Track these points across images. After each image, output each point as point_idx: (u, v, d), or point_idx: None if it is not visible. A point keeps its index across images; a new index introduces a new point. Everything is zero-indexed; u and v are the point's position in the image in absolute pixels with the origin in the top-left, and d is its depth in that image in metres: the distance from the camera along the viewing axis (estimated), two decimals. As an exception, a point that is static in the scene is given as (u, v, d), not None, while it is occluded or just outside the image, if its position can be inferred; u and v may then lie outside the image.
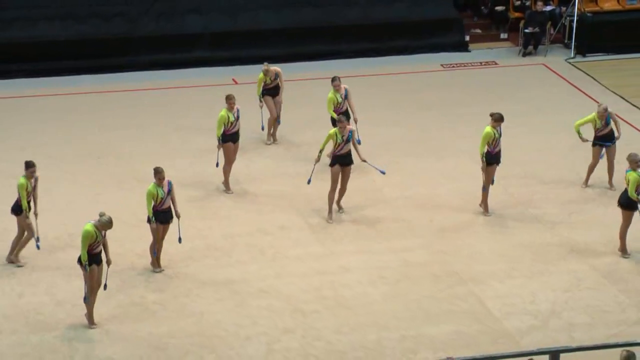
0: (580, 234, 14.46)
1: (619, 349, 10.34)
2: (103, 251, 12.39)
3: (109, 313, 12.66)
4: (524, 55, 21.34)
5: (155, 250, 13.49)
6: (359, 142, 15.74)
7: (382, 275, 13.52)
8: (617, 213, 13.90)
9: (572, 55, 21.23)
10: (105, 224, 12.21)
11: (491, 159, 14.67)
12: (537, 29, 21.21)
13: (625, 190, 13.68)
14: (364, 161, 14.71)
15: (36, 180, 13.50)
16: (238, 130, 15.42)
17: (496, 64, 21.06)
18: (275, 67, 16.98)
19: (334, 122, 15.34)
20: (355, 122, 15.96)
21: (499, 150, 14.67)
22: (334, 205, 14.78)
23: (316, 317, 12.66)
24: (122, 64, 20.32)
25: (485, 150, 14.60)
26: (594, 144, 15.39)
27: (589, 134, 15.48)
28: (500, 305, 12.88)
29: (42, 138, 17.46)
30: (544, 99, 19.16)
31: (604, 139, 15.31)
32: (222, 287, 13.27)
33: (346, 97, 15.99)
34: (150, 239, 13.49)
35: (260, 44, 20.55)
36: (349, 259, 13.89)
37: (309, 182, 14.75)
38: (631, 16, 21.67)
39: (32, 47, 20.04)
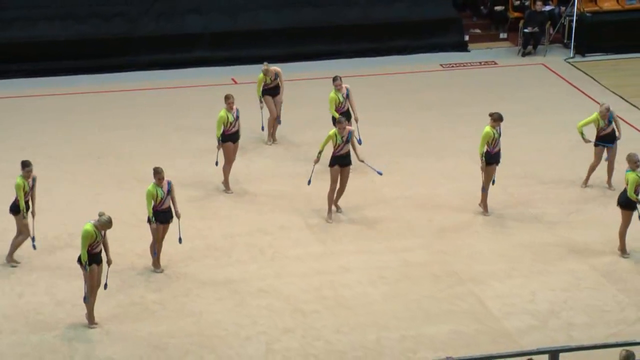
0: (579, 234, 14.48)
1: (618, 349, 10.35)
2: (103, 251, 12.41)
3: (108, 313, 12.67)
4: (524, 55, 21.35)
5: (156, 250, 13.50)
6: (360, 142, 15.77)
7: (382, 275, 13.53)
8: (617, 213, 13.92)
9: (571, 55, 21.24)
10: (104, 224, 12.22)
11: (491, 159, 14.69)
12: (536, 29, 21.22)
13: (625, 190, 13.70)
14: (362, 161, 14.73)
15: (34, 180, 13.50)
16: (238, 130, 15.44)
17: (495, 63, 21.08)
18: (275, 67, 16.98)
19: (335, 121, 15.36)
20: (356, 121, 15.98)
21: (499, 150, 14.68)
22: (334, 206, 14.78)
23: (316, 317, 12.67)
24: (122, 64, 20.32)
25: (485, 150, 14.61)
26: (596, 145, 15.39)
27: (591, 134, 15.47)
28: (500, 305, 12.90)
29: (42, 138, 17.46)
30: (543, 99, 19.17)
31: (606, 140, 15.32)
32: (221, 286, 13.28)
33: (348, 96, 16.00)
34: (150, 239, 13.50)
35: (260, 44, 20.55)
36: (349, 259, 13.91)
37: (309, 182, 14.77)
38: (630, 16, 21.68)
39: (32, 47, 20.04)
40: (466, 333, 12.36)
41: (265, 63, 16.85)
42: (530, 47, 21.35)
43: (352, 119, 15.98)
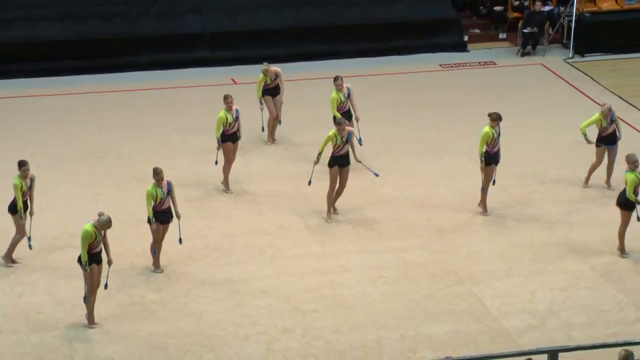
0: (578, 234, 14.50)
1: (617, 348, 10.37)
2: (104, 251, 12.42)
3: (108, 313, 12.69)
4: (523, 55, 21.36)
5: (156, 250, 13.52)
6: (361, 143, 15.79)
7: (381, 275, 13.55)
8: (616, 213, 13.93)
9: (570, 55, 21.25)
10: (104, 224, 12.24)
11: (490, 159, 14.71)
12: (535, 29, 21.24)
13: (624, 190, 13.72)
14: (359, 162, 14.76)
15: (32, 179, 13.50)
16: (237, 131, 15.45)
17: (495, 64, 21.09)
18: (275, 68, 17.00)
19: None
20: (357, 120, 16.00)
21: (498, 150, 14.70)
22: (333, 211, 14.79)
23: (315, 317, 12.69)
24: (122, 64, 20.33)
25: (484, 150, 14.64)
26: (597, 145, 15.40)
27: (592, 134, 15.48)
28: (499, 304, 12.92)
29: (42, 138, 17.47)
30: (542, 99, 19.19)
31: (608, 140, 15.33)
32: (221, 286, 13.30)
33: (349, 96, 16.02)
34: (150, 238, 13.52)
35: (260, 44, 20.56)
36: (348, 259, 13.92)
37: (309, 183, 14.78)
38: (629, 16, 21.69)
39: (32, 47, 20.05)
40: (465, 332, 12.38)
41: (265, 63, 16.87)
42: (529, 47, 21.37)
43: (353, 119, 15.99)
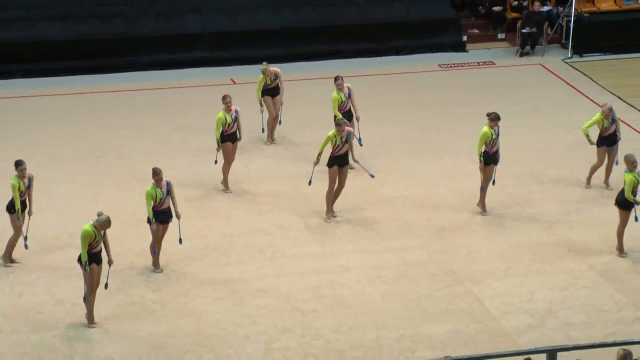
0: (578, 234, 14.53)
1: (616, 348, 10.39)
2: (104, 251, 12.43)
3: (108, 312, 12.70)
4: (522, 55, 21.39)
5: (156, 250, 13.54)
6: (361, 143, 15.79)
7: (381, 275, 13.58)
8: (615, 213, 13.96)
9: (569, 55, 21.28)
10: (103, 224, 12.25)
11: (489, 159, 14.73)
12: (534, 30, 21.27)
13: (623, 190, 13.75)
14: (356, 162, 14.77)
15: (31, 179, 13.49)
16: (237, 131, 15.47)
17: (494, 64, 21.12)
18: (274, 68, 17.02)
19: None
20: (357, 120, 16.03)
21: (497, 150, 14.73)
22: (331, 213, 14.83)
23: (315, 317, 12.71)
24: (121, 64, 20.34)
25: (483, 151, 14.67)
26: (599, 145, 15.41)
27: (593, 135, 15.49)
28: (498, 304, 12.94)
29: (42, 138, 17.48)
30: (541, 99, 19.21)
31: (609, 140, 15.35)
32: (221, 286, 13.31)
33: (350, 96, 16.03)
34: (150, 238, 13.54)
35: (260, 44, 20.58)
36: (348, 259, 13.94)
37: (309, 183, 14.80)
38: (628, 16, 21.72)
39: (32, 48, 20.06)
40: (465, 332, 12.40)
41: (264, 63, 16.89)
42: (528, 48, 21.40)
43: (354, 119, 16.02)
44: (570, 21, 21.30)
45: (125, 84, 19.77)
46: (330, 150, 14.65)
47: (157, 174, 13.29)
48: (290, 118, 17.26)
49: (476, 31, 22.26)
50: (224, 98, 15.33)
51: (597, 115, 15.43)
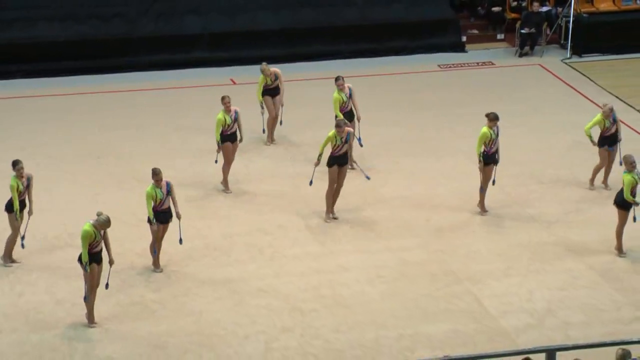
0: (576, 233, 14.55)
1: (615, 348, 10.44)
2: (105, 250, 12.44)
3: (108, 312, 12.73)
4: (521, 55, 21.42)
5: (156, 249, 13.57)
6: (361, 144, 15.81)
7: (380, 274, 13.60)
8: (614, 213, 13.98)
9: (568, 55, 21.31)
10: (103, 223, 12.27)
11: (488, 159, 14.77)
12: (533, 30, 21.30)
13: (621, 190, 13.78)
14: (354, 162, 14.78)
15: (29, 179, 13.49)
16: (236, 131, 15.49)
17: (493, 64, 21.14)
18: (274, 68, 17.05)
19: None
20: (358, 120, 16.05)
21: (496, 150, 14.77)
22: (331, 213, 14.85)
23: (314, 316, 12.74)
24: (121, 64, 20.35)
25: (482, 150, 14.70)
26: (600, 145, 15.43)
27: (595, 135, 15.51)
28: (497, 303, 12.97)
29: (42, 138, 17.50)
30: (540, 99, 19.24)
31: (610, 140, 15.37)
32: (221, 286, 13.34)
33: (350, 96, 16.05)
34: (149, 238, 13.57)
35: (259, 44, 20.60)
36: (347, 258, 13.97)
37: (310, 183, 14.81)
38: (627, 17, 21.75)
39: (32, 48, 20.06)
40: (463, 332, 12.43)
41: (263, 63, 16.92)
42: (527, 48, 21.42)
43: (355, 119, 16.04)
44: (569, 21, 21.33)
45: (125, 84, 19.79)
46: (330, 150, 14.68)
47: (156, 174, 13.31)
48: (290, 118, 17.28)
49: (475, 31, 22.29)
50: (223, 99, 15.36)
51: (598, 116, 15.45)
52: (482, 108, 16.00)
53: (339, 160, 14.66)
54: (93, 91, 19.54)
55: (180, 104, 18.95)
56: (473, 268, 13.72)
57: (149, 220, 13.35)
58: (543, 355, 10.88)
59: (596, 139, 15.46)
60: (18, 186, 13.37)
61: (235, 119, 15.42)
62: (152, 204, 13.29)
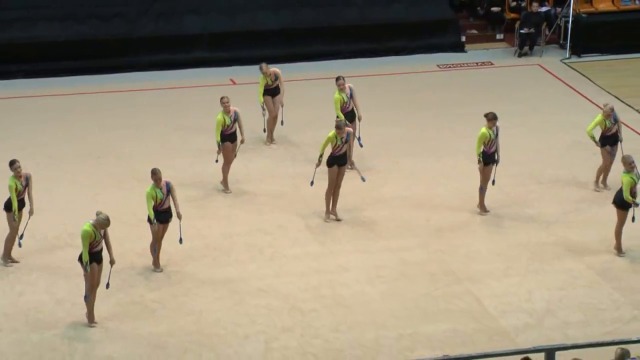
0: (576, 233, 14.58)
1: (614, 347, 10.46)
2: (106, 250, 12.45)
3: (108, 312, 12.75)
4: (520, 55, 21.44)
5: (156, 248, 13.59)
6: (361, 145, 15.82)
7: (380, 274, 13.63)
8: (613, 212, 14.00)
9: (567, 55, 21.33)
10: (102, 223, 12.28)
11: (487, 158, 14.80)
12: (532, 30, 21.32)
13: (620, 190, 13.81)
14: (352, 163, 14.80)
15: (28, 178, 13.50)
16: (236, 131, 15.51)
17: (492, 64, 21.17)
18: (274, 68, 17.06)
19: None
20: (359, 120, 16.07)
21: (496, 150, 14.79)
22: (331, 214, 14.86)
23: (314, 316, 12.76)
24: (121, 64, 20.37)
25: (482, 150, 14.73)
26: (602, 145, 15.44)
27: (597, 136, 15.54)
28: (497, 303, 13.00)
29: (42, 138, 17.52)
30: (539, 99, 19.27)
31: (612, 140, 15.39)
32: (221, 286, 13.36)
33: (351, 96, 16.06)
34: (149, 238, 13.59)
35: (259, 44, 20.62)
36: (347, 258, 13.99)
37: (311, 184, 14.82)
38: (626, 17, 21.78)
39: (32, 48, 20.08)
40: (463, 331, 12.45)
41: (262, 63, 16.93)
42: (526, 48, 21.45)
43: (356, 118, 16.05)
44: (568, 21, 21.35)
45: (125, 84, 19.81)
46: (330, 150, 14.69)
47: (154, 174, 13.33)
48: (290, 118, 17.29)
49: (474, 31, 22.32)
50: (221, 99, 15.37)
51: (599, 116, 15.46)
52: (482, 108, 16.01)
53: (339, 161, 14.68)
54: (93, 91, 19.56)
55: (180, 104, 18.97)
56: (473, 268, 13.75)
57: (149, 220, 13.37)
58: (542, 355, 10.90)
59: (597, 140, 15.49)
60: (16, 186, 13.38)
61: (235, 120, 15.44)
62: (152, 203, 13.30)
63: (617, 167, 14.87)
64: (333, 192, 14.82)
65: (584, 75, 20.37)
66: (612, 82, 19.88)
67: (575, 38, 21.27)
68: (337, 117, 15.65)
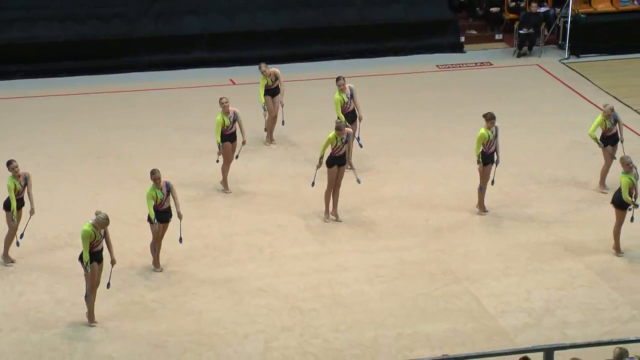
0: (574, 233, 14.61)
1: (612, 346, 10.48)
2: (107, 250, 12.48)
3: (108, 311, 12.77)
4: (519, 56, 21.47)
5: (156, 248, 13.61)
6: (361, 145, 15.85)
7: (379, 274, 13.65)
8: (611, 212, 14.03)
9: (566, 56, 21.36)
10: (101, 222, 12.29)
11: (486, 159, 14.83)
12: (531, 30, 21.35)
13: (619, 190, 13.84)
14: (350, 164, 14.83)
15: (27, 178, 13.52)
16: (235, 132, 15.53)
17: (491, 64, 21.19)
18: (273, 69, 17.09)
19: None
20: (360, 120, 16.09)
21: (495, 150, 14.82)
22: (331, 215, 14.90)
23: (314, 315, 12.79)
24: (121, 64, 20.39)
25: (481, 151, 14.76)
26: (604, 145, 15.46)
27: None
28: (496, 303, 13.03)
29: (42, 138, 17.54)
30: (538, 100, 19.30)
31: (613, 140, 15.41)
32: (220, 285, 13.39)
33: (352, 96, 16.07)
34: (149, 238, 13.62)
35: (259, 44, 20.64)
36: (347, 258, 14.02)
37: (312, 184, 14.84)
38: (624, 17, 21.82)
39: (32, 48, 20.10)
40: (462, 331, 12.48)
41: (262, 64, 16.95)
42: (525, 48, 21.48)
43: (357, 119, 16.07)
44: (566, 22, 21.37)
45: (125, 85, 19.82)
46: (330, 151, 14.72)
47: (153, 174, 13.34)
48: (290, 118, 17.30)
49: (474, 32, 22.34)
50: (220, 100, 15.37)
51: (599, 117, 15.48)
52: (481, 108, 16.03)
53: (339, 161, 14.71)
54: (93, 91, 19.58)
55: (180, 104, 18.99)
56: (472, 268, 13.77)
57: (150, 220, 13.39)
58: (541, 354, 10.91)
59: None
60: (15, 186, 13.40)
61: (235, 120, 15.46)
62: (153, 203, 13.33)
63: (616, 167, 14.90)
64: (333, 192, 14.85)
65: (582, 76, 20.40)
66: (610, 83, 19.91)
67: (574, 38, 21.30)
68: (338, 118, 15.67)
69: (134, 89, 19.62)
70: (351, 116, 15.93)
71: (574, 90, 19.78)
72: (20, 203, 13.53)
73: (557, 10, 21.89)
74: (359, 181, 14.84)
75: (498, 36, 22.23)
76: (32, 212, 13.61)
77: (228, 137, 15.46)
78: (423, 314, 12.81)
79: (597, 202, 15.33)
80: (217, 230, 14.64)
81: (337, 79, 16.12)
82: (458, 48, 21.67)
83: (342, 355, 12.11)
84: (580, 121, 17.45)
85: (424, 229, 14.72)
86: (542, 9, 21.82)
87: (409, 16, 21.54)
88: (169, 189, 13.43)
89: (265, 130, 17.09)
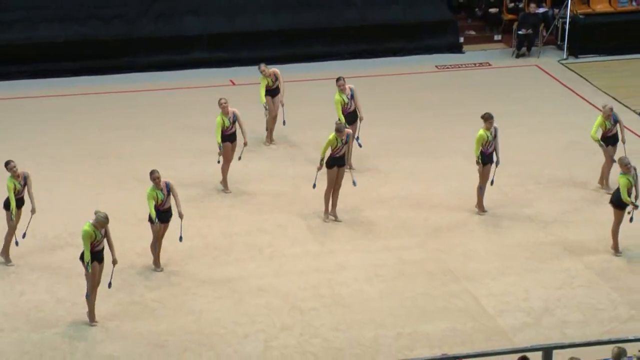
0: (573, 233, 14.64)
1: (611, 346, 10.52)
2: (108, 249, 12.51)
3: (109, 311, 12.79)
4: (517, 56, 21.51)
5: (156, 247, 13.64)
6: (359, 144, 15.89)
7: (379, 273, 13.69)
8: (610, 212, 14.05)
9: (564, 56, 21.40)
10: (101, 221, 12.31)
11: (485, 159, 14.87)
12: (530, 31, 21.39)
13: (618, 190, 13.88)
14: (349, 165, 14.86)
15: (26, 177, 13.54)
16: (235, 132, 15.56)
17: (490, 65, 21.23)
18: (273, 69, 17.12)
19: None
20: (360, 120, 16.12)
21: (494, 150, 14.86)
22: (331, 215, 14.94)
23: (313, 315, 12.82)
24: (121, 65, 20.42)
25: (480, 151, 14.79)
26: (606, 145, 15.50)
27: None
28: (494, 302, 13.06)
29: (42, 138, 17.56)
30: (537, 100, 19.33)
31: (613, 140, 15.44)
32: (220, 285, 13.41)
33: (352, 96, 16.08)
34: (150, 237, 13.65)
35: (259, 45, 20.67)
36: (346, 257, 14.05)
37: (314, 186, 14.85)
38: (623, 18, 21.87)
39: (32, 49, 20.12)
40: (461, 330, 12.51)
41: (263, 64, 16.98)
42: (524, 49, 21.52)
43: (357, 119, 16.09)
44: (565, 22, 21.41)
45: (125, 85, 19.85)
46: (330, 152, 14.76)
47: (152, 174, 13.36)
48: (290, 118, 17.32)
49: (472, 32, 22.38)
50: (219, 101, 15.39)
51: (599, 118, 15.49)
52: (480, 108, 16.04)
53: (339, 162, 14.75)
54: (93, 92, 19.60)
55: (180, 105, 19.01)
56: (471, 267, 13.81)
57: (151, 220, 13.42)
58: (540, 354, 10.95)
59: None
60: (15, 186, 13.42)
61: (234, 120, 15.48)
62: (154, 203, 13.36)
63: (616, 168, 14.93)
64: (333, 192, 14.88)
65: (581, 76, 20.44)
66: (609, 83, 19.94)
67: (572, 39, 21.34)
68: (338, 119, 15.69)
69: (134, 89, 19.64)
70: (352, 117, 15.95)
71: (572, 91, 19.81)
72: (20, 202, 13.56)
73: (556, 10, 21.93)
74: (354, 183, 14.86)
75: (497, 37, 22.27)
76: (33, 211, 13.64)
77: (228, 137, 15.49)
78: (422, 314, 12.84)
79: (596, 202, 15.36)
80: (217, 230, 14.67)
81: (337, 80, 16.13)
82: (457, 49, 21.70)
83: (341, 355, 12.14)
84: (579, 121, 17.51)
85: (423, 228, 14.75)
86: (541, 10, 21.86)
87: (408, 17, 21.58)
88: (169, 189, 13.46)
89: (267, 130, 17.12)
